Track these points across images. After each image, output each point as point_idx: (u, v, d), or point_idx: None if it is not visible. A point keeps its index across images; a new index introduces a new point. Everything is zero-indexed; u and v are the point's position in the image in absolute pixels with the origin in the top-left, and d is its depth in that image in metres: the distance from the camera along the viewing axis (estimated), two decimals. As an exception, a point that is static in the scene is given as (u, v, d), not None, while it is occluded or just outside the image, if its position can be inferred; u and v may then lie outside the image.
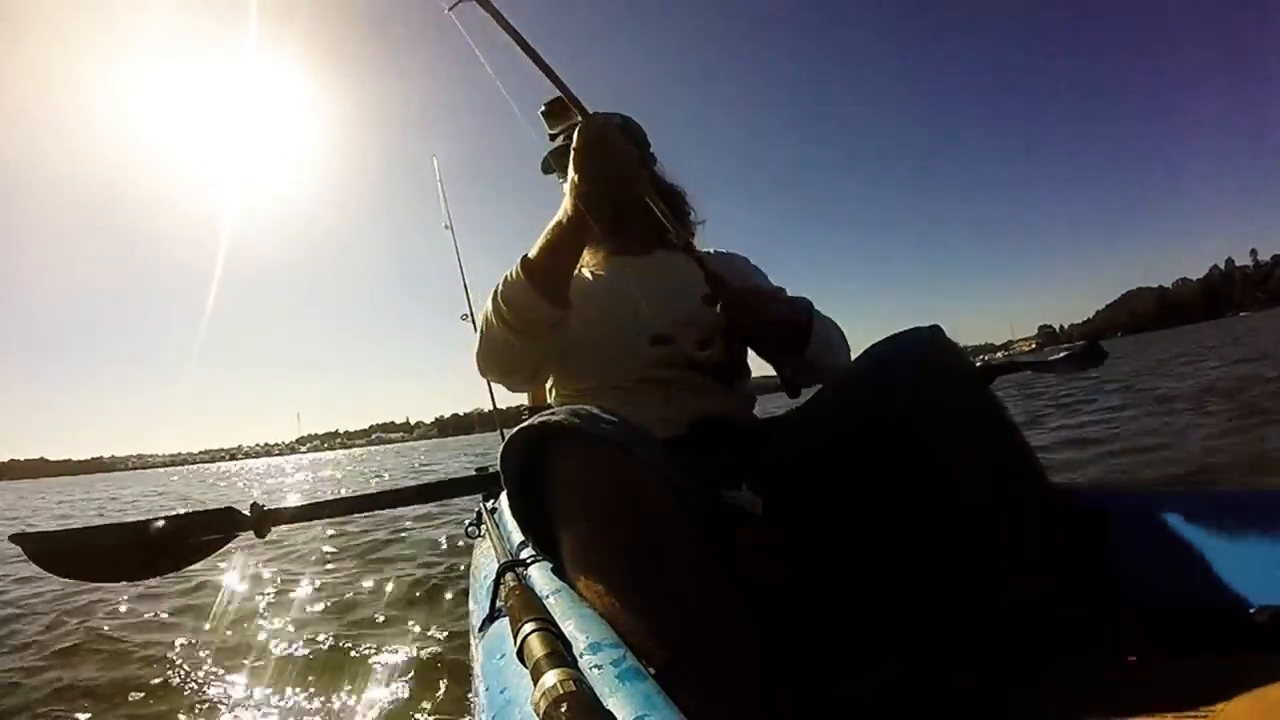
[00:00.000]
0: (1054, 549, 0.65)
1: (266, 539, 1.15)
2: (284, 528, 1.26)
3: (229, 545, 1.18)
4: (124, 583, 1.75)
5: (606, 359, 1.04)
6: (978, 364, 1.29)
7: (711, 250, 1.19)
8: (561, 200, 0.90)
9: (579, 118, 0.91)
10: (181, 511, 1.13)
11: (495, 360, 1.01)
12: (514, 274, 0.92)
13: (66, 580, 1.12)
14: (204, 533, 1.13)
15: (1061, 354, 1.48)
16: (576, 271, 0.99)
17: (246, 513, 1.17)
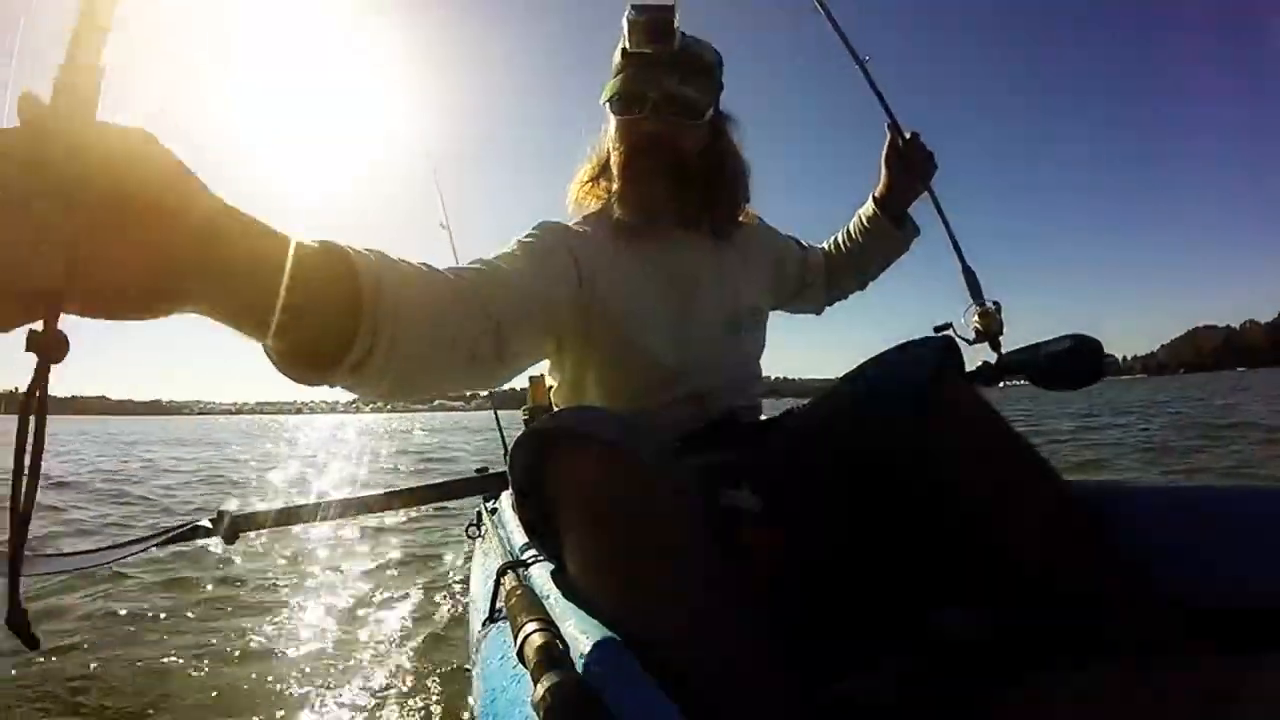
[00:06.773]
0: (1077, 556, 0.64)
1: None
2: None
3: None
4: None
5: (625, 383, 0.95)
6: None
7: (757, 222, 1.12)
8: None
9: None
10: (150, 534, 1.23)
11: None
12: None
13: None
14: (173, 544, 1.23)
15: (1056, 349, 1.22)
16: (625, 274, 0.92)
17: (209, 524, 1.21)
